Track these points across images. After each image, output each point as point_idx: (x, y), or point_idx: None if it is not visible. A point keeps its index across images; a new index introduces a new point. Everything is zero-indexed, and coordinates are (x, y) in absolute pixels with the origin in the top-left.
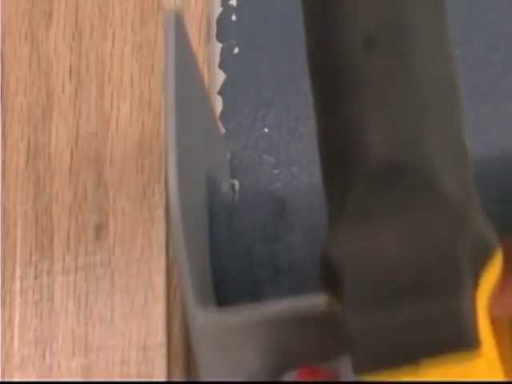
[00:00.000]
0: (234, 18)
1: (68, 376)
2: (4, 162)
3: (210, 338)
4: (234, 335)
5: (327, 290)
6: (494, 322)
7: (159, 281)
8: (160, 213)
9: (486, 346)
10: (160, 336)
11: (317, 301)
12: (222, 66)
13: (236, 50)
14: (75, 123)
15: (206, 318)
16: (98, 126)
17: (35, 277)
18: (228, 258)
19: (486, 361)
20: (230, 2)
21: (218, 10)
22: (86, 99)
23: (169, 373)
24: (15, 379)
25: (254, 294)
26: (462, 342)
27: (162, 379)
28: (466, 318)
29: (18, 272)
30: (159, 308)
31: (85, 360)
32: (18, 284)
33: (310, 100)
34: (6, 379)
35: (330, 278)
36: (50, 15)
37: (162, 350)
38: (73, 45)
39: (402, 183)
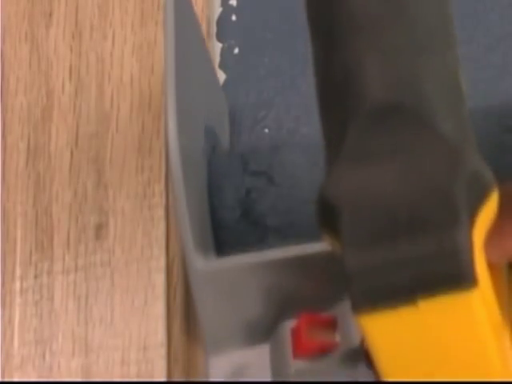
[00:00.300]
0: (233, 18)
1: (68, 376)
2: (4, 161)
3: (209, 283)
4: (234, 279)
5: (325, 230)
6: (491, 267)
7: (159, 280)
8: (160, 212)
9: (482, 283)
10: (160, 336)
11: (317, 246)
12: (222, 66)
13: (236, 50)
14: (75, 123)
15: (205, 262)
16: (98, 125)
17: (35, 277)
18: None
19: (481, 298)
20: (230, 2)
21: (218, 9)
22: (85, 99)
23: (169, 373)
24: (15, 379)
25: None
26: (459, 276)
27: (162, 379)
28: (462, 253)
29: (18, 272)
30: (159, 308)
31: (85, 360)
32: (17, 284)
33: (310, 100)
34: (6, 379)
35: (328, 217)
36: (50, 15)
37: (162, 350)
38: (73, 45)
39: (399, 123)
